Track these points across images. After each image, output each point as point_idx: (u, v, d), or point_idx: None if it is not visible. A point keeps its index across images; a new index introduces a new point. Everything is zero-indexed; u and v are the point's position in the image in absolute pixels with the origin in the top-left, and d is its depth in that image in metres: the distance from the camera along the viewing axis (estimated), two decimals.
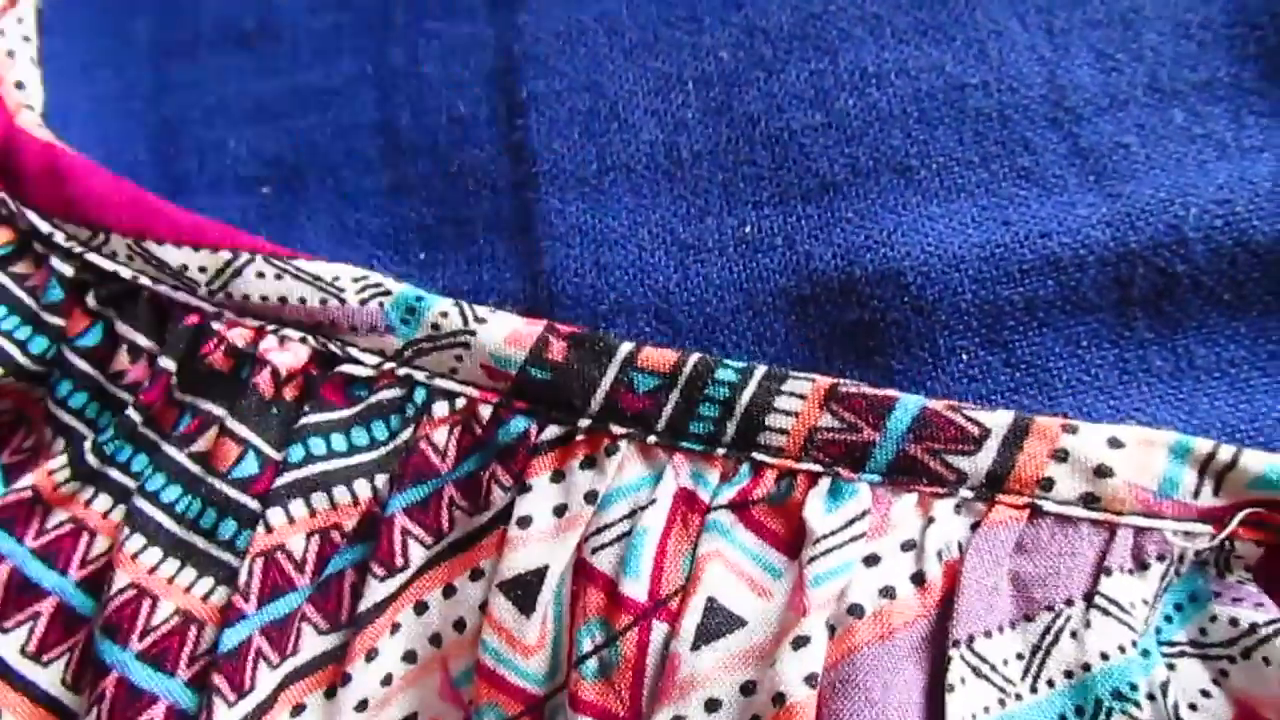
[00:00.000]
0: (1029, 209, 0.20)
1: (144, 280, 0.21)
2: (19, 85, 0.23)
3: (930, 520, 0.17)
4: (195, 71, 0.25)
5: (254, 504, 0.19)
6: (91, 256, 0.21)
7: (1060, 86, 0.21)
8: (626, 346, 0.19)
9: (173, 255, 0.21)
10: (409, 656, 0.19)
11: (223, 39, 0.25)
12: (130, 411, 0.20)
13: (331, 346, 0.20)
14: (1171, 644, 0.17)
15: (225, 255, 0.20)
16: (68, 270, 0.21)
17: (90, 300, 0.21)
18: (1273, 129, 0.20)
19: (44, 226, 0.21)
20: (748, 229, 0.21)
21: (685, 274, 0.21)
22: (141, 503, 0.19)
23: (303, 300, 0.20)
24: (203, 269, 0.21)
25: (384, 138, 0.23)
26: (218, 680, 0.18)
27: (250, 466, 0.19)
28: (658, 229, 0.21)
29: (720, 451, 0.18)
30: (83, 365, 0.21)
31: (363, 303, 0.20)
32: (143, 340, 0.21)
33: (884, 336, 0.20)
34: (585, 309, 0.21)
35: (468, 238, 0.22)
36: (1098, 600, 0.17)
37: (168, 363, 0.20)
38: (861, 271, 0.20)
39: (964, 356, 0.19)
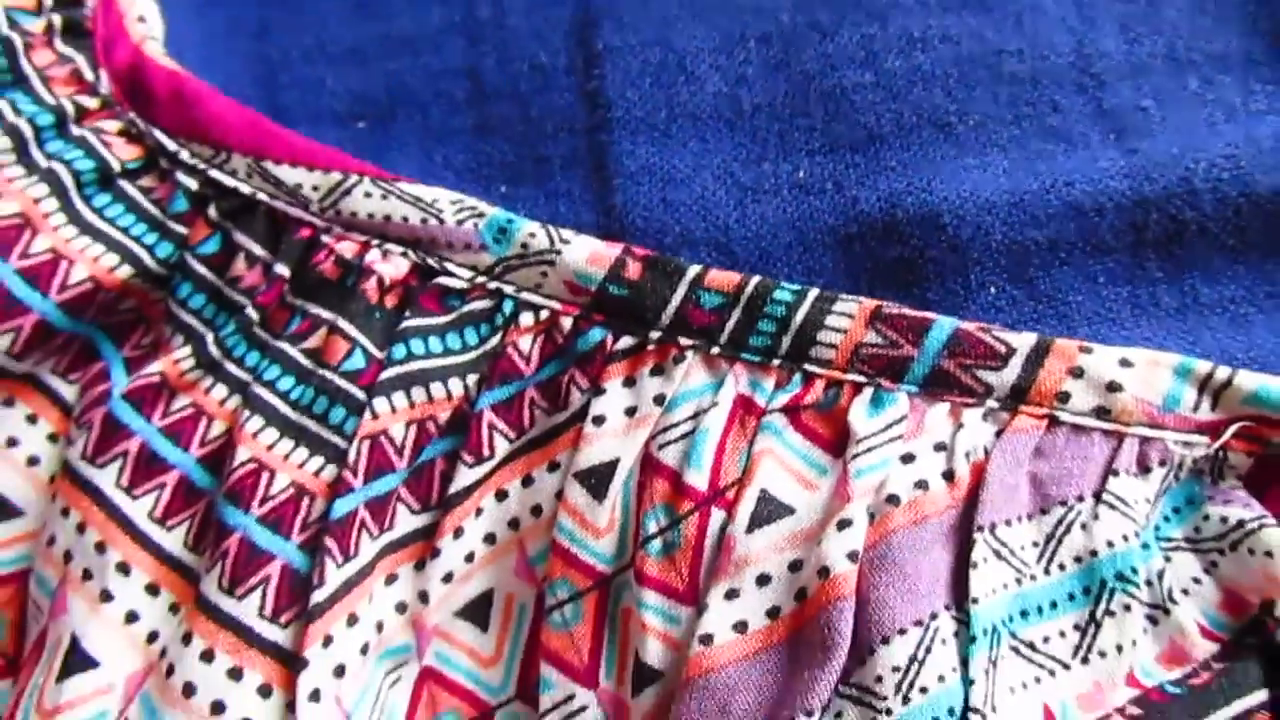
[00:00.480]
0: (1055, 162, 0.22)
1: (261, 196, 0.23)
2: (141, 19, 0.26)
3: (960, 426, 0.20)
4: (297, 15, 0.27)
5: (360, 394, 0.21)
6: (214, 173, 0.23)
7: (1087, 54, 0.23)
8: (695, 268, 0.21)
9: (288, 174, 0.23)
10: (489, 538, 0.21)
11: None
12: (249, 311, 0.22)
13: (430, 260, 0.22)
14: (1169, 540, 0.19)
15: (336, 176, 0.23)
16: (192, 184, 0.23)
17: (211, 212, 0.23)
18: (1276, 95, 0.22)
19: (170, 145, 0.24)
20: (801, 174, 0.23)
21: (744, 212, 0.23)
22: (260, 389, 0.22)
23: (405, 219, 0.22)
24: (315, 187, 0.23)
25: (470, 82, 0.25)
26: (329, 542, 0.20)
27: (358, 361, 0.22)
28: (719, 171, 0.23)
29: (775, 363, 0.21)
30: (202, 270, 0.23)
31: (459, 223, 0.22)
32: (258, 250, 0.23)
33: (922, 271, 0.22)
34: (653, 240, 0.23)
35: (546, 175, 0.24)
36: (1105, 497, 0.19)
37: (282, 269, 0.22)
38: (903, 214, 0.22)
39: (992, 290, 0.22)
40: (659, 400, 0.21)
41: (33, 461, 0.23)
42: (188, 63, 0.26)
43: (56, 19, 0.26)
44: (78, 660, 0.20)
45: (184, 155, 0.24)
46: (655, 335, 0.21)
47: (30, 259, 0.23)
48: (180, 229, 0.23)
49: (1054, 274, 0.22)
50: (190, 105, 0.24)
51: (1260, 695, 0.18)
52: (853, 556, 0.18)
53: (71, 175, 0.23)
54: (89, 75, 0.25)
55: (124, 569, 0.21)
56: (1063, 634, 0.18)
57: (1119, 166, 0.22)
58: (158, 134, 0.24)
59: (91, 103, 0.25)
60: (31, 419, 0.23)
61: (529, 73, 0.25)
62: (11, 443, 0.23)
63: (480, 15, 0.26)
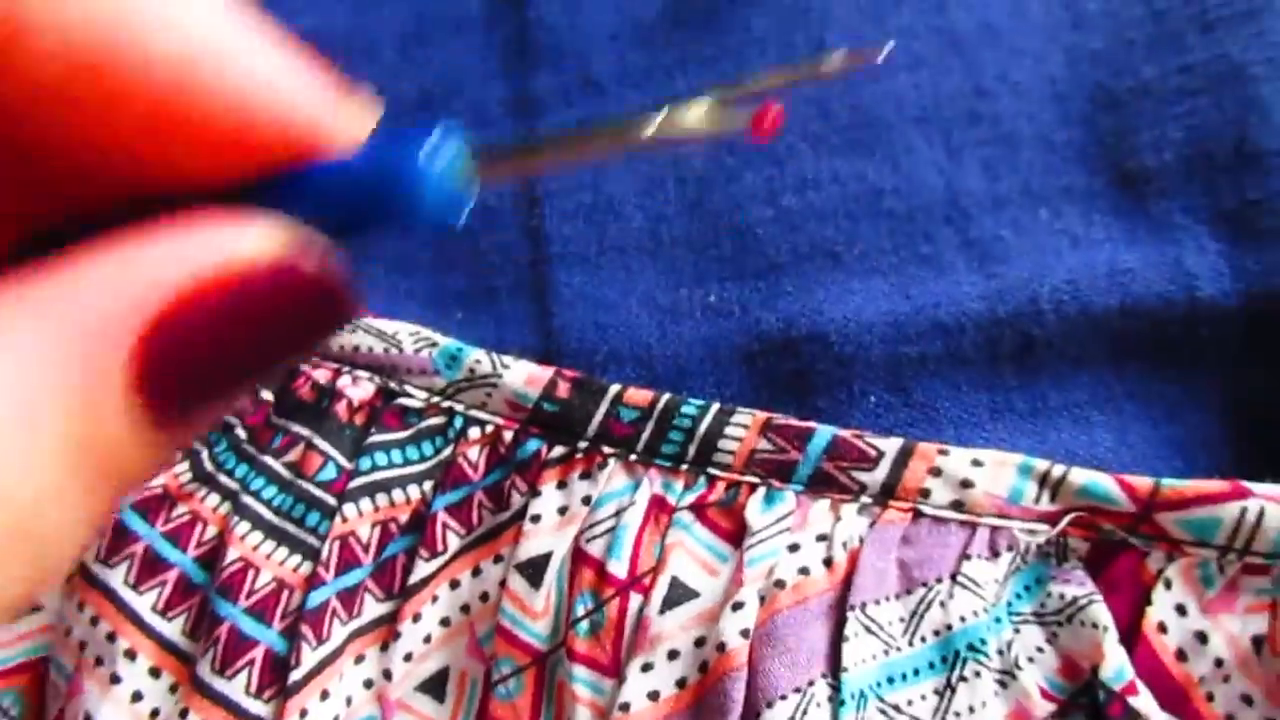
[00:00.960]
0: (925, 286, 0.26)
1: None
2: None
3: (838, 519, 0.23)
4: None
5: (332, 500, 0.25)
6: None
7: (954, 191, 0.27)
8: (615, 388, 0.25)
9: None
10: (444, 621, 0.25)
11: None
12: (239, 430, 0.26)
13: (392, 384, 0.26)
14: (1019, 614, 0.22)
15: None
16: None
17: None
18: (1113, 225, 0.26)
19: None
20: (712, 298, 0.27)
21: (663, 333, 0.27)
22: (247, 498, 0.25)
23: (370, 349, 0.26)
24: None
25: None
26: (305, 629, 0.23)
27: (330, 473, 0.25)
28: (643, 297, 0.27)
29: (684, 467, 0.24)
30: None
31: (416, 351, 0.26)
32: None
33: (813, 383, 0.26)
34: (585, 359, 0.27)
35: (495, 302, 0.28)
36: (960, 579, 0.22)
37: (267, 395, 0.26)
38: (797, 333, 0.26)
39: (873, 398, 0.25)
40: (586, 501, 0.24)
41: None
42: None
43: None
44: None
45: None
46: (583, 445, 0.25)
47: None
48: None
49: (924, 384, 0.25)
50: None
51: None
52: (745, 633, 0.22)
53: None
54: None
55: (131, 655, 0.24)
56: (924, 697, 0.22)
57: (979, 290, 0.25)
58: None
59: None
60: None
61: (480, 212, 0.29)
62: None
63: None
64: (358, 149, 0.14)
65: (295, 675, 0.23)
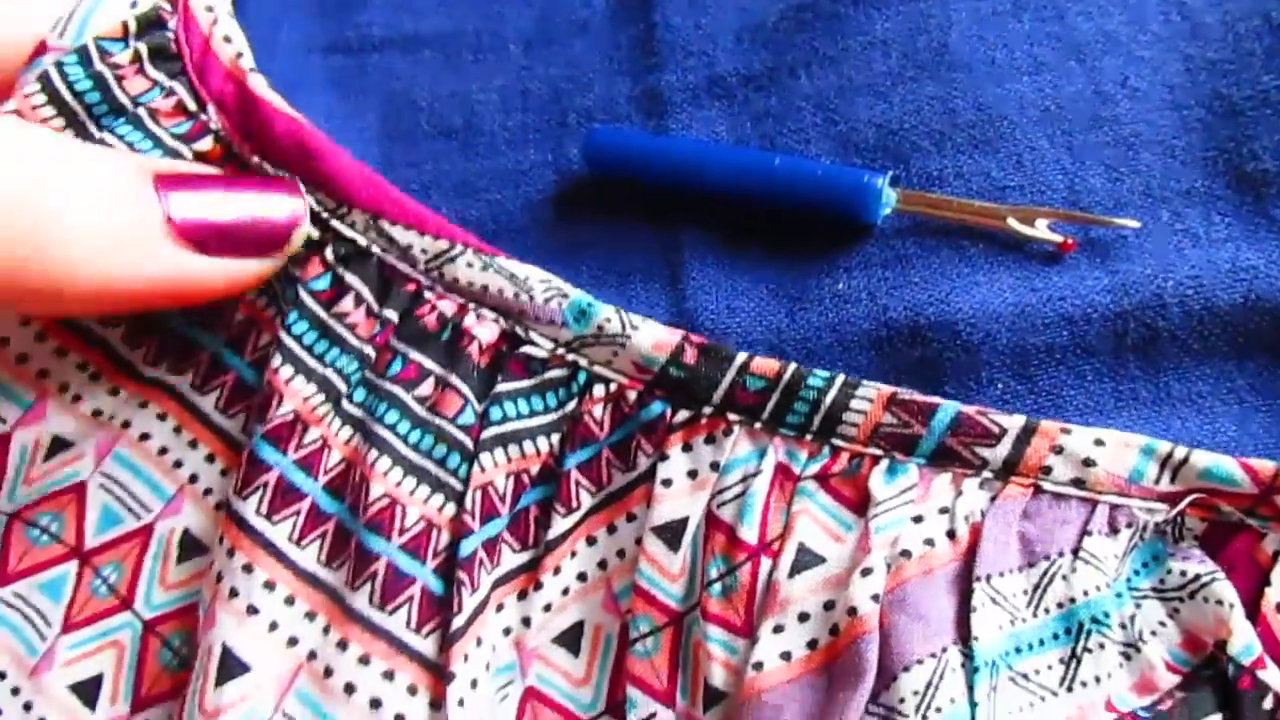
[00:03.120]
0: (1050, 280, 0.28)
1: (375, 248, 0.28)
2: (228, 39, 0.30)
3: (960, 493, 0.25)
4: (415, 154, 0.33)
5: (470, 445, 0.27)
6: (335, 222, 0.28)
7: (1076, 191, 0.29)
8: (742, 356, 0.26)
9: (401, 234, 0.28)
10: (581, 576, 0.27)
11: (436, 132, 0.34)
12: (368, 350, 0.27)
13: (518, 330, 0.27)
14: (1139, 589, 0.24)
15: (443, 244, 0.28)
16: (313, 231, 0.28)
17: (328, 253, 0.28)
18: (1234, 226, 0.27)
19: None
20: (840, 286, 0.29)
21: (793, 318, 0.29)
22: (383, 431, 0.27)
23: (500, 290, 0.27)
24: (424, 250, 0.28)
25: (558, 208, 0.32)
26: (461, 575, 0.25)
27: (469, 417, 0.27)
28: (773, 284, 0.29)
29: (808, 437, 0.26)
30: (312, 304, 0.28)
31: (546, 300, 0.27)
32: (367, 293, 0.28)
33: (941, 370, 0.27)
34: (717, 340, 0.29)
35: (628, 284, 0.30)
36: (1081, 554, 0.24)
37: (390, 314, 0.27)
38: (925, 321, 0.28)
39: (999, 386, 0.27)
40: (714, 466, 0.26)
41: (218, 506, 0.28)
42: None
43: (143, 46, 0.29)
44: (232, 666, 0.25)
45: (309, 202, 0.29)
46: (708, 410, 0.26)
47: None
48: (294, 268, 0.28)
49: (1050, 372, 0.27)
50: (314, 157, 0.29)
51: (1216, 717, 0.22)
52: (875, 598, 0.23)
53: None
54: (192, 106, 0.29)
55: (268, 585, 0.26)
56: (1050, 667, 0.23)
57: (1103, 284, 0.27)
58: (277, 172, 0.29)
59: (206, 144, 0.29)
60: (210, 459, 0.29)
61: (615, 203, 0.31)
62: (206, 491, 0.28)
63: (570, 154, 0.32)
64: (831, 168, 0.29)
65: (457, 621, 0.25)
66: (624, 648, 0.26)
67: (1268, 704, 0.22)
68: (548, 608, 0.26)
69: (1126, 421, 0.26)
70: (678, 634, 0.25)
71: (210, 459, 0.29)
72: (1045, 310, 0.27)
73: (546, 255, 0.31)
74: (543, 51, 0.34)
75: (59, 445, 0.29)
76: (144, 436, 0.29)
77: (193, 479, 0.29)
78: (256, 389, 0.28)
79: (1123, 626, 0.23)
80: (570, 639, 0.26)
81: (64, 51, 0.29)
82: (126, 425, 0.29)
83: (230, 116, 0.29)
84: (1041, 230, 0.28)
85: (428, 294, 0.28)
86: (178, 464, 0.29)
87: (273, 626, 0.26)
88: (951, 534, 0.24)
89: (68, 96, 0.29)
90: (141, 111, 0.29)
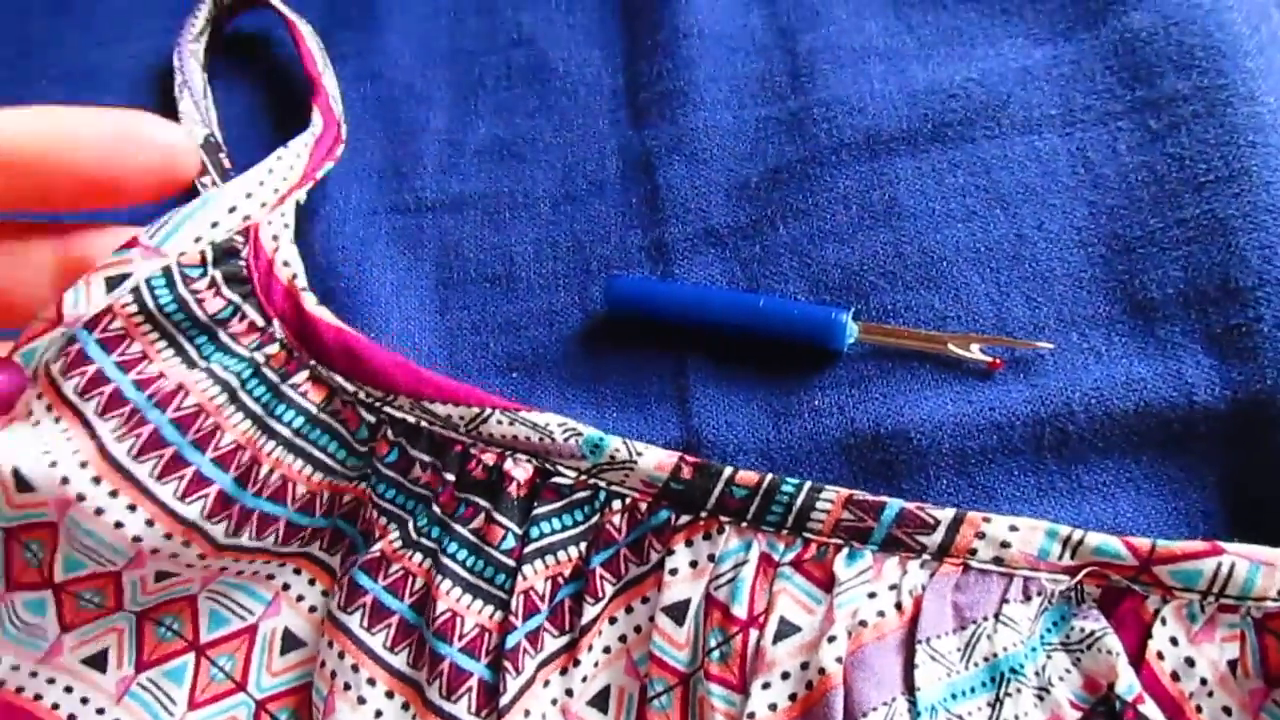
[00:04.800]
0: (982, 393, 0.35)
1: (423, 423, 0.34)
2: (286, 264, 0.36)
3: (905, 572, 0.31)
4: (465, 298, 0.41)
5: (513, 563, 0.33)
6: (386, 409, 0.34)
7: (1002, 318, 0.36)
8: (728, 470, 0.33)
9: (440, 409, 0.34)
10: (606, 649, 0.34)
11: (482, 278, 0.42)
12: (434, 507, 0.34)
13: (547, 465, 0.34)
14: (1050, 644, 0.31)
15: (475, 410, 0.34)
16: (370, 417, 0.35)
17: (390, 434, 0.34)
18: (1129, 345, 0.35)
19: (349, 387, 0.34)
20: (816, 402, 0.36)
21: (778, 431, 0.36)
22: (445, 560, 0.34)
23: (527, 438, 0.33)
24: (461, 418, 0.34)
25: (587, 345, 0.39)
26: (507, 664, 0.32)
27: (510, 542, 0.34)
28: (762, 402, 0.37)
29: (784, 531, 0.32)
30: (390, 473, 0.34)
31: (565, 440, 0.33)
32: (428, 459, 0.34)
33: (897, 470, 0.35)
34: (719, 449, 0.36)
35: (645, 407, 0.38)
36: (1001, 618, 0.31)
37: (449, 475, 0.34)
38: (884, 430, 0.35)
39: (944, 482, 0.34)
40: (710, 558, 0.33)
41: (312, 609, 0.37)
42: (389, 333, 0.40)
43: (219, 273, 0.34)
44: None
45: (361, 395, 0.35)
46: (704, 514, 0.33)
47: (267, 485, 0.34)
48: (366, 447, 0.35)
49: (984, 470, 0.34)
50: (359, 358, 0.34)
51: None
52: (839, 660, 0.31)
53: (276, 417, 0.34)
54: (260, 322, 0.35)
55: (371, 681, 0.33)
56: (979, 709, 0.30)
57: (1024, 396, 0.34)
58: (338, 378, 0.35)
59: (273, 349, 0.35)
60: (311, 581, 0.37)
61: (632, 340, 0.39)
62: (299, 598, 0.37)
63: (593, 296, 0.40)
64: (804, 306, 0.37)
65: (504, 700, 0.32)
66: (644, 704, 0.33)
67: None
68: (585, 679, 0.34)
69: (1046, 507, 0.34)
70: (686, 692, 0.32)
71: (297, 571, 0.37)
72: (978, 419, 0.34)
73: (576, 384, 0.38)
74: (567, 208, 0.42)
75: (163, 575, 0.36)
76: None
77: (285, 587, 0.37)
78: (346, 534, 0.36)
79: (1036, 674, 0.30)
80: (600, 700, 0.33)
81: (150, 252, 0.34)
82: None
83: (290, 327, 0.35)
84: (975, 353, 0.35)
85: (473, 451, 0.34)
86: (270, 576, 0.37)
87: (378, 714, 0.33)
88: (899, 605, 0.32)
89: (157, 314, 0.33)
90: (219, 330, 0.34)
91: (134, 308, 0.33)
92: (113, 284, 0.32)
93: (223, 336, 0.34)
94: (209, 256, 0.34)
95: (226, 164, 0.42)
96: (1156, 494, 0.33)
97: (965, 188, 0.38)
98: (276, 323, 0.35)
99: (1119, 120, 0.38)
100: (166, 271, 0.33)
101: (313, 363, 0.35)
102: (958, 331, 0.36)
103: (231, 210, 0.35)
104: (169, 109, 0.45)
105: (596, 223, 0.41)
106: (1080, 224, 0.37)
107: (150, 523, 0.32)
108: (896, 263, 0.38)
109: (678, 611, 0.33)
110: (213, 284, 0.34)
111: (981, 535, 0.31)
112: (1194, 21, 0.39)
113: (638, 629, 0.34)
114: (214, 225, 0.35)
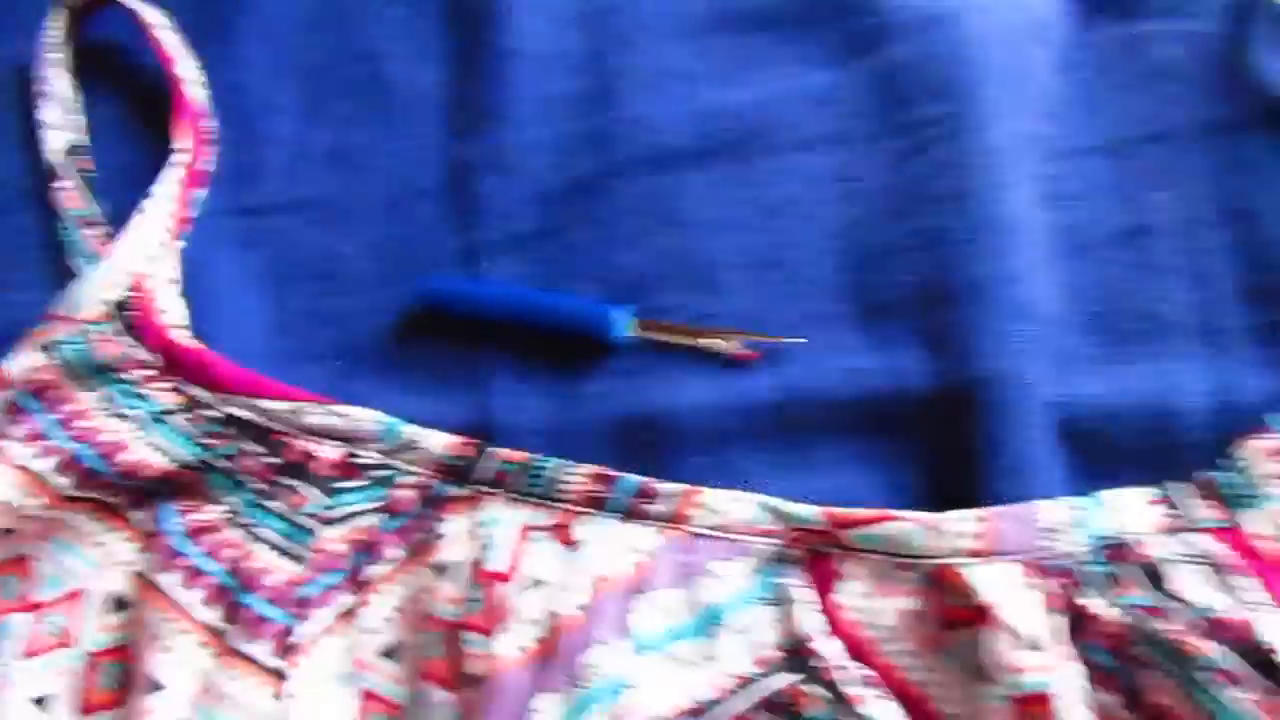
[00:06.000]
0: (737, 383, 0.40)
1: (255, 418, 0.40)
2: (164, 311, 0.43)
3: (640, 536, 0.38)
4: (297, 294, 0.46)
5: (317, 529, 0.39)
6: (227, 409, 0.41)
7: (761, 316, 0.42)
8: (498, 450, 0.38)
9: (266, 404, 0.40)
10: (399, 608, 0.38)
11: (312, 275, 0.47)
12: (256, 484, 0.40)
13: (352, 449, 0.40)
14: (759, 597, 0.37)
15: (295, 404, 0.40)
16: (215, 412, 0.41)
17: (230, 430, 0.40)
18: (860, 339, 0.40)
19: (202, 395, 0.41)
20: (594, 389, 0.42)
21: (563, 414, 0.41)
22: (259, 529, 0.39)
23: (336, 427, 0.40)
24: (286, 410, 0.40)
25: (403, 333, 0.45)
26: (301, 611, 0.38)
27: (317, 511, 0.39)
28: (549, 389, 0.42)
29: (541, 501, 0.38)
30: (225, 464, 0.40)
31: (367, 427, 0.40)
32: (253, 446, 0.40)
33: (662, 448, 0.40)
34: (509, 430, 0.41)
35: (450, 392, 0.43)
36: (716, 574, 0.37)
37: (270, 459, 0.40)
38: (652, 414, 0.40)
39: (696, 459, 0.40)
40: (480, 524, 0.38)
41: (138, 574, 0.41)
42: (227, 344, 0.45)
43: (119, 324, 0.43)
44: (149, 683, 0.38)
45: (208, 398, 0.41)
46: (477, 488, 0.39)
47: (125, 461, 0.41)
48: (209, 441, 0.41)
49: (734, 448, 0.40)
50: (208, 367, 0.41)
51: (791, 676, 0.35)
52: (580, 609, 0.36)
53: (148, 415, 0.42)
54: (146, 358, 0.42)
55: (184, 632, 0.38)
56: (693, 649, 0.36)
57: (770, 384, 0.40)
58: (195, 390, 0.41)
59: (151, 373, 0.42)
60: (138, 548, 0.41)
61: (435, 349, 0.44)
62: (126, 563, 0.41)
63: (410, 295, 0.45)
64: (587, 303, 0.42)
65: (297, 640, 0.38)
66: (423, 654, 0.38)
67: (825, 663, 0.34)
68: (370, 630, 0.39)
69: (784, 482, 0.39)
70: (455, 638, 0.38)
71: (126, 540, 0.41)
72: (728, 404, 0.40)
73: (391, 371, 0.44)
74: (393, 214, 0.47)
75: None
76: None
77: (110, 554, 0.41)
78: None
79: (746, 622, 0.36)
80: (391, 653, 0.39)
81: (65, 320, 0.43)
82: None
83: (165, 356, 0.43)
84: (734, 347, 0.41)
85: (290, 438, 0.40)
86: (100, 543, 0.42)
87: (184, 661, 0.38)
88: (634, 564, 0.37)
89: (74, 361, 0.42)
90: (117, 370, 0.42)
91: (57, 362, 0.42)
92: (44, 348, 0.42)
93: (120, 374, 0.42)
94: (111, 313, 0.43)
95: (90, 169, 0.47)
96: (873, 468, 0.39)
97: (739, 200, 0.44)
98: (157, 356, 0.42)
99: (876, 141, 0.44)
100: (82, 331, 0.42)
101: (179, 381, 0.42)
102: (721, 328, 0.42)
103: (121, 272, 0.43)
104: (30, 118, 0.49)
105: (418, 227, 0.46)
106: (833, 233, 0.43)
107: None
108: (673, 266, 0.43)
109: (451, 572, 0.38)
110: (116, 331, 0.43)
111: (702, 506, 0.37)
112: (948, 55, 0.45)
113: (424, 590, 0.39)
114: (110, 287, 0.43)
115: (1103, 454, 0.38)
